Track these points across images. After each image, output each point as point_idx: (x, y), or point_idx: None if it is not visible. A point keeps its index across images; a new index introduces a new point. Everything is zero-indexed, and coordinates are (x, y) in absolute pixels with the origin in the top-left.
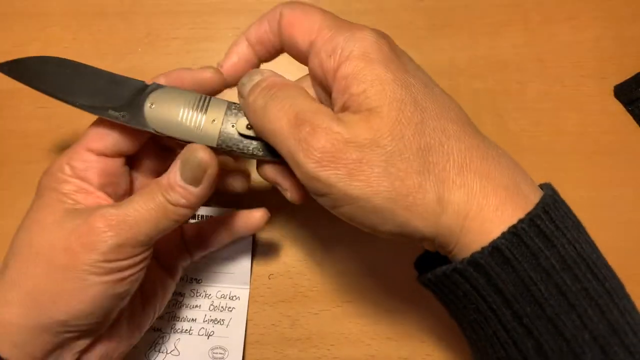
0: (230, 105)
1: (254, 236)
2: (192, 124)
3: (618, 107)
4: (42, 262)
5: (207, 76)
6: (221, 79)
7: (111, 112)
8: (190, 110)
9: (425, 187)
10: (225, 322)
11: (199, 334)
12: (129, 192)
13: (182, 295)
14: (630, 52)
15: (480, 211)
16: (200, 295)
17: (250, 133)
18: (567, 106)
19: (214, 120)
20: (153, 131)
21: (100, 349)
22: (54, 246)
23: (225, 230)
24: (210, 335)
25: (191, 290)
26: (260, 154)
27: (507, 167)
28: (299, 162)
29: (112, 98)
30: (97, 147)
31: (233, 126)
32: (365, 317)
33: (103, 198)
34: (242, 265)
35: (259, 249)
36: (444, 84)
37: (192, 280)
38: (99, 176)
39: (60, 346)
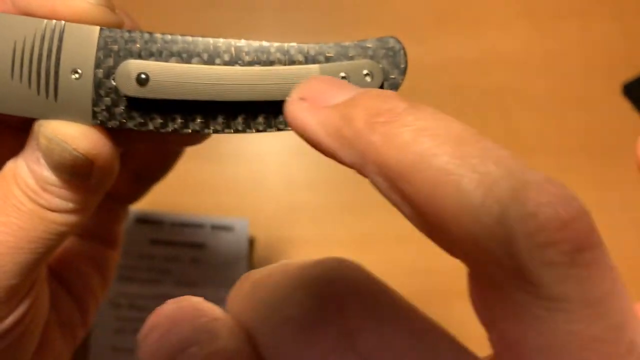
0: (105, 38)
1: (250, 238)
2: (34, 86)
3: (626, 106)
4: None
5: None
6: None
7: None
8: (29, 56)
9: None
10: None
11: None
12: None
13: None
14: None
15: None
16: None
17: (150, 94)
18: (574, 104)
19: (76, 72)
20: None
21: None
22: None
23: None
24: None
25: (187, 295)
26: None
27: None
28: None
29: None
30: None
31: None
32: None
33: None
34: (238, 269)
35: (256, 252)
36: (449, 81)
37: (188, 284)
38: None
39: None
